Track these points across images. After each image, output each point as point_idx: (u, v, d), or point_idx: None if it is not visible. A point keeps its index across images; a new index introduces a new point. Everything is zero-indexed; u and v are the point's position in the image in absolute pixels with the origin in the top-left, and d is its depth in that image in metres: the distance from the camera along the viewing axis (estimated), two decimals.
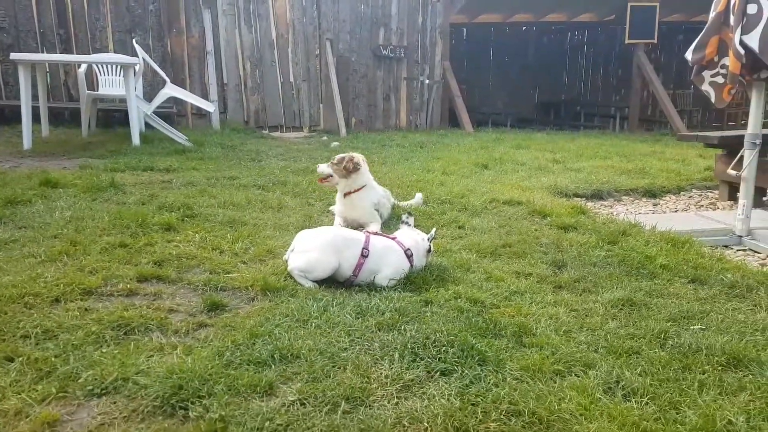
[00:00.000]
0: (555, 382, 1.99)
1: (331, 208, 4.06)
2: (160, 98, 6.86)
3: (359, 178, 3.77)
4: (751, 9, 3.55)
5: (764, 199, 4.63)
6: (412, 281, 2.86)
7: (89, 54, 8.22)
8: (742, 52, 3.58)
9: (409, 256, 2.90)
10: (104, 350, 2.05)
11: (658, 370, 2.09)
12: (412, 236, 3.01)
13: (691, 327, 2.47)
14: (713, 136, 5.66)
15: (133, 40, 7.93)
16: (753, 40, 3.55)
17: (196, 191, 4.41)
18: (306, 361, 2.03)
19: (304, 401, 1.81)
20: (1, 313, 2.26)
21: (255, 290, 2.65)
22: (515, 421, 1.77)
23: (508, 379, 1.99)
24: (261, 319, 2.35)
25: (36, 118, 6.50)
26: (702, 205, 5.37)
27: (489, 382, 1.95)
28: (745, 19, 3.57)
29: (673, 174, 6.28)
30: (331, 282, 2.81)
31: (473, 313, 2.48)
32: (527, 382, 1.97)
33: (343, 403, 1.80)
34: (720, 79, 3.84)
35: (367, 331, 2.27)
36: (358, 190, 3.76)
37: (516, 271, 3.11)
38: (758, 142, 3.98)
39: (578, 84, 17.03)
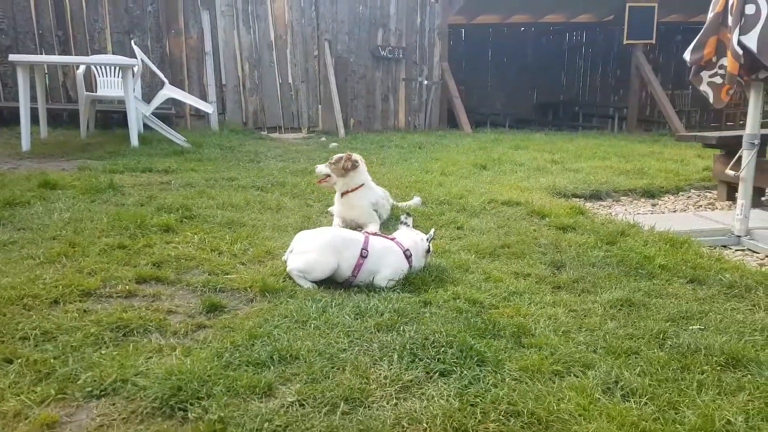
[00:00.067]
0: (554, 383, 1.99)
1: (329, 209, 4.06)
2: (158, 99, 6.85)
3: (357, 176, 3.78)
4: (749, 9, 3.56)
5: (763, 199, 4.63)
6: (411, 282, 2.86)
7: (88, 55, 8.21)
8: (741, 52, 3.59)
9: (408, 257, 2.90)
10: (103, 352, 2.05)
11: (657, 370, 2.09)
12: (411, 237, 3.01)
13: (690, 327, 2.47)
14: (712, 137, 5.67)
15: (132, 41, 7.92)
16: (751, 40, 3.55)
17: (194, 192, 4.41)
18: (305, 362, 2.03)
19: (303, 402, 1.81)
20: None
21: (254, 291, 2.65)
22: (514, 422, 1.77)
23: (507, 379, 1.99)
24: (260, 320, 2.35)
25: (35, 119, 6.50)
26: (700, 206, 5.38)
27: (488, 383, 1.95)
28: (743, 20, 3.58)
29: (672, 174, 6.29)
30: (330, 283, 2.81)
31: (472, 313, 2.48)
32: (526, 383, 1.97)
33: (342, 404, 1.80)
34: (718, 80, 3.85)
35: (366, 332, 2.27)
36: (356, 189, 3.77)
37: (515, 271, 3.11)
38: (756, 142, 3.99)
39: (577, 84, 17.03)
